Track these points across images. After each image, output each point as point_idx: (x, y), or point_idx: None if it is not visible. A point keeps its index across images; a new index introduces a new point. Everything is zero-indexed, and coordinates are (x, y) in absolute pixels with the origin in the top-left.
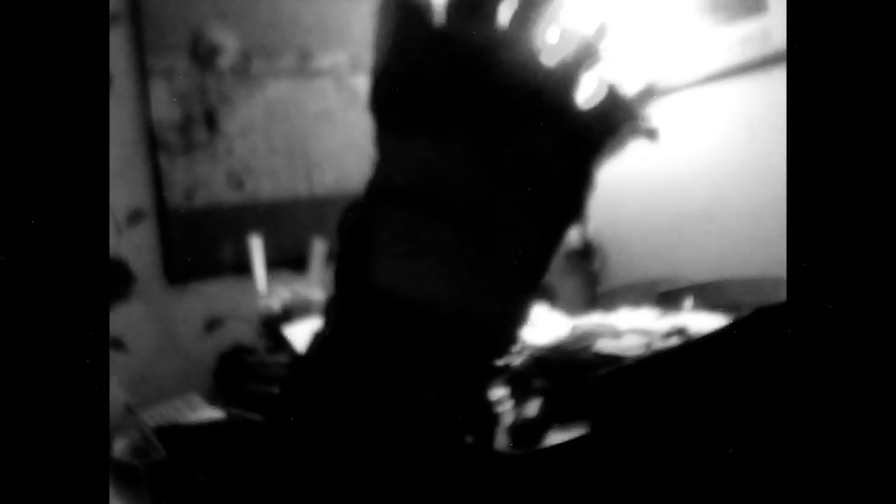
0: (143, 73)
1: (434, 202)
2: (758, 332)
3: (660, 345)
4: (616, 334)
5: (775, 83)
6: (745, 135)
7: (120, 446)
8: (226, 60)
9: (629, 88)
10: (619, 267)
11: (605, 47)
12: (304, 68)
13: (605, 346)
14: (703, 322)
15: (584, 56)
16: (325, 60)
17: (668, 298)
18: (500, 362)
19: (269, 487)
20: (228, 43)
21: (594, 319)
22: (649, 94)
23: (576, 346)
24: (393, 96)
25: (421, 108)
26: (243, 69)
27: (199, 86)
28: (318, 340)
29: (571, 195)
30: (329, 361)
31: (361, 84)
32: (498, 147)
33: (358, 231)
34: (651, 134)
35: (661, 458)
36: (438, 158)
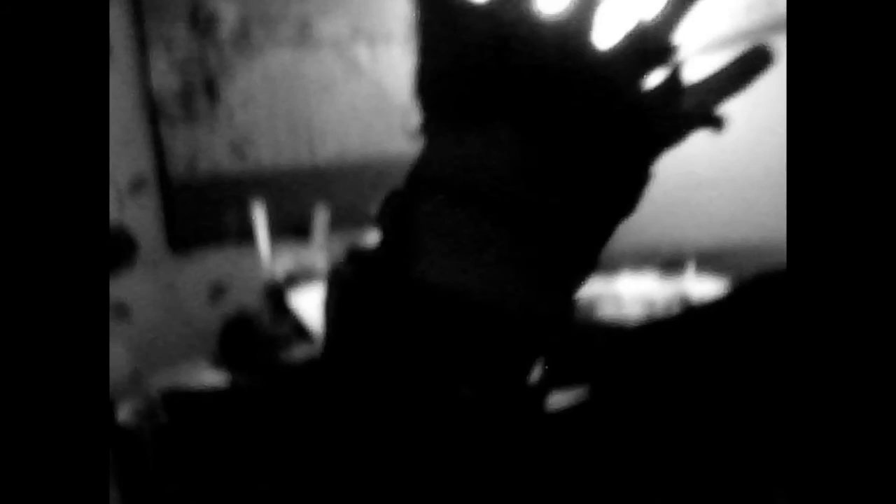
0: (142, 43)
1: (478, 195)
2: (760, 298)
3: (662, 311)
4: (618, 301)
5: (780, 50)
6: (749, 101)
7: (125, 411)
8: (225, 29)
9: (693, 73)
10: (622, 234)
11: (674, 39)
12: (303, 37)
13: (607, 312)
14: (706, 288)
15: (651, 49)
16: (324, 30)
17: (670, 265)
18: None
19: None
20: (227, 11)
21: (596, 286)
22: (722, 82)
23: (578, 312)
24: (437, 85)
25: (467, 97)
26: (243, 38)
27: (199, 55)
28: (345, 331)
29: (627, 189)
30: (364, 354)
31: (362, 53)
32: (548, 138)
33: (399, 222)
34: (716, 123)
35: (662, 425)
36: (485, 150)
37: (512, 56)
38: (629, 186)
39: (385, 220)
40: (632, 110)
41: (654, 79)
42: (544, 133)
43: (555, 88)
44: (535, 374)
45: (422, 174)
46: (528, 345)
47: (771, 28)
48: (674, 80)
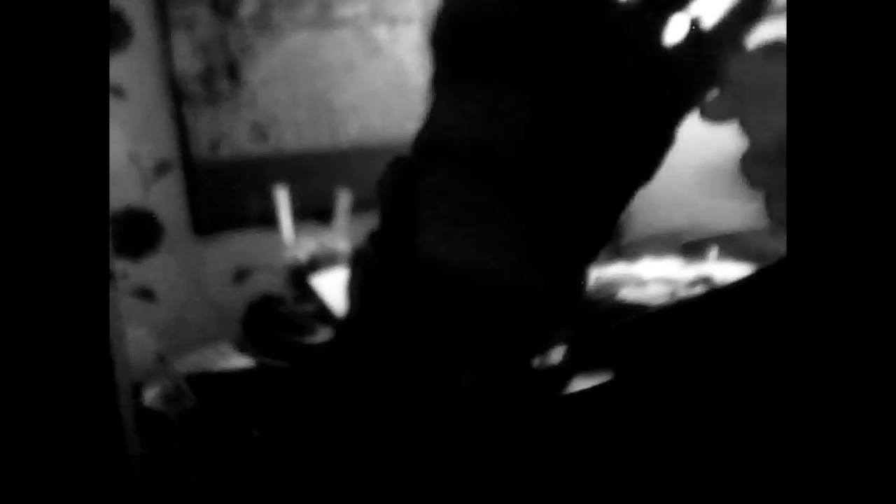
0: (164, 24)
1: (485, 160)
2: (784, 281)
3: (684, 294)
4: (640, 283)
5: None
6: None
7: (151, 395)
8: (246, 10)
9: (716, 23)
10: (643, 217)
11: None
12: (324, 18)
13: (629, 294)
14: (728, 271)
15: None
16: (345, 10)
17: (692, 248)
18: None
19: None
20: None
21: (618, 269)
22: (748, 20)
23: (600, 294)
24: (456, 35)
25: (482, 51)
26: (264, 19)
27: (221, 36)
28: (350, 319)
29: (646, 153)
30: (386, 336)
31: (382, 34)
32: (565, 97)
33: (401, 193)
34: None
35: (685, 407)
36: (497, 109)
37: (537, 10)
38: (651, 148)
39: (386, 190)
40: (658, 64)
41: (674, 28)
42: (564, 93)
43: (579, 44)
44: (558, 356)
45: (428, 135)
46: (534, 325)
47: None
48: (696, 31)
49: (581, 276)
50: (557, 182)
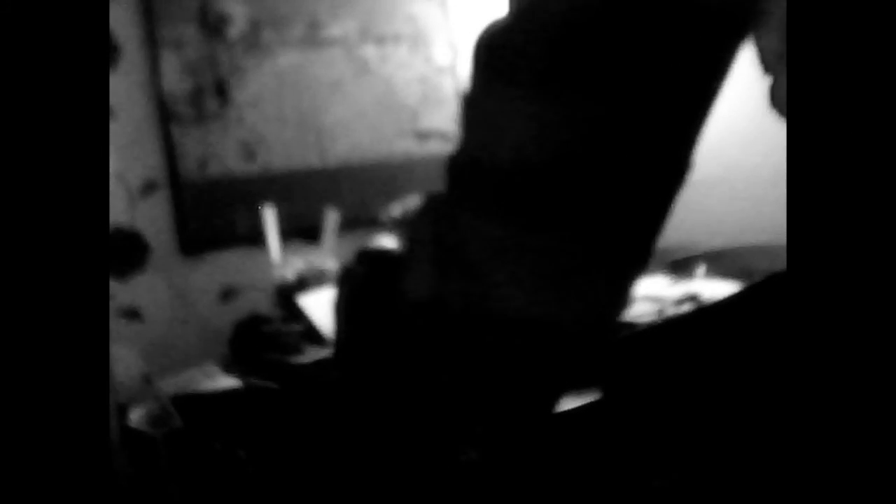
0: (152, 44)
1: (525, 181)
2: (771, 298)
3: (672, 311)
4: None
5: None
6: (760, 98)
7: (137, 415)
8: (235, 30)
9: None
10: None
11: None
12: (313, 38)
13: None
14: (716, 289)
15: None
16: (334, 30)
17: (680, 266)
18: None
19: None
20: (237, 12)
21: None
22: None
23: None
24: (513, 42)
25: (546, 57)
26: (253, 39)
27: (209, 56)
28: (355, 331)
29: (691, 128)
30: (373, 355)
31: (371, 54)
32: (628, 100)
33: (433, 232)
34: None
35: (674, 424)
36: (558, 119)
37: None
38: (696, 117)
39: (419, 229)
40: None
41: None
42: (627, 96)
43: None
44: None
45: (465, 156)
46: (566, 368)
47: None
48: None
49: (624, 300)
50: (607, 195)
